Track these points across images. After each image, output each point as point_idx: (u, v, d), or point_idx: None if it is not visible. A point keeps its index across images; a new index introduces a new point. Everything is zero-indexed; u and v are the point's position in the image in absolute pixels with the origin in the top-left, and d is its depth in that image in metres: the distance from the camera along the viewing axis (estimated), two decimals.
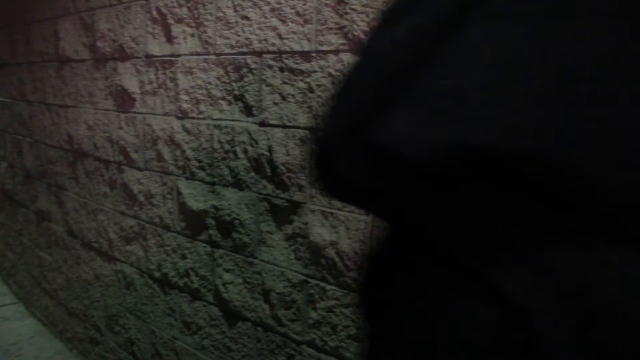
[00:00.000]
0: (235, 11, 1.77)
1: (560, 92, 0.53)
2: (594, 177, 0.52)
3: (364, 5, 1.42)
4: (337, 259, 1.54)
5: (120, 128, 2.41)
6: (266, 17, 1.67)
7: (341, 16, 1.48)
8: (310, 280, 1.63)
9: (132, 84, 2.30)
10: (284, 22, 1.62)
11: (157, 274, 2.31)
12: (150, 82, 2.19)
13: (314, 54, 1.55)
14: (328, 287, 1.58)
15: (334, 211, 1.54)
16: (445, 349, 0.60)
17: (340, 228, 1.52)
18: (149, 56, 2.19)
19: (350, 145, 0.59)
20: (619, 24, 0.57)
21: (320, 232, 1.58)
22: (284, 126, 1.64)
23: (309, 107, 1.57)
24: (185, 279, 2.14)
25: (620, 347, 0.52)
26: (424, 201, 0.59)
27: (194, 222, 2.04)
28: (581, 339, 0.52)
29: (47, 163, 3.25)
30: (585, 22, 0.57)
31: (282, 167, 1.66)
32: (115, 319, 2.71)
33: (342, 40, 1.48)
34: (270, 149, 1.69)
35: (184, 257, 2.13)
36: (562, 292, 0.53)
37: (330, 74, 1.51)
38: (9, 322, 3.83)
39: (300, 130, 1.60)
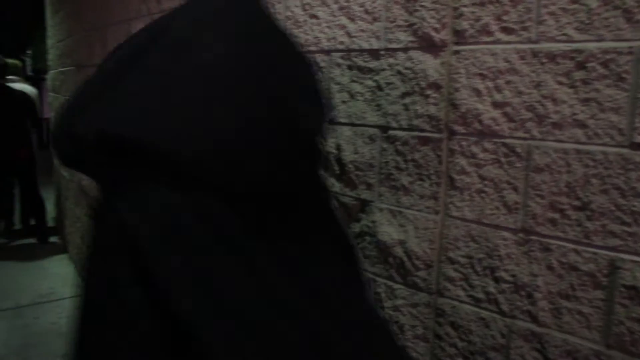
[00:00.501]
0: (304, 10, 1.79)
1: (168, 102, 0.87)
2: (169, 150, 0.83)
3: (434, 2, 1.41)
4: (405, 258, 1.53)
5: None
6: (335, 16, 1.68)
7: (410, 13, 1.46)
8: (377, 278, 1.63)
9: None
10: (352, 20, 1.62)
11: None
12: None
13: (382, 52, 1.54)
14: (395, 286, 1.57)
15: (402, 210, 1.53)
16: (93, 247, 1.04)
17: (409, 227, 1.51)
18: None
19: (65, 132, 0.98)
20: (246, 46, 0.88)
21: (388, 231, 1.57)
22: (353, 124, 1.64)
23: (378, 105, 1.56)
24: None
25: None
26: (101, 167, 0.94)
27: None
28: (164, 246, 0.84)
29: None
30: (222, 45, 0.85)
31: (350, 165, 1.66)
32: None
33: (411, 38, 1.47)
34: (338, 147, 1.69)
35: None
36: (151, 217, 0.87)
37: (399, 72, 1.50)
38: None
39: (368, 129, 1.60)
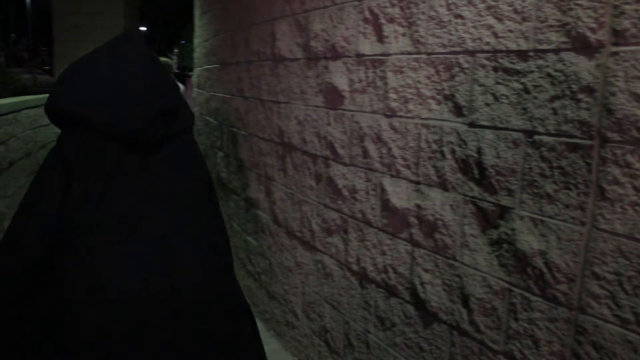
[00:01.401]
0: (449, 10, 1.75)
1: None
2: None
3: (590, 0, 1.32)
4: (545, 270, 1.46)
5: (329, 124, 2.51)
6: (481, 16, 1.63)
7: (564, 12, 1.39)
8: (513, 289, 1.56)
9: (342, 82, 2.39)
10: (500, 20, 1.57)
11: (355, 267, 2.37)
12: (360, 81, 2.25)
13: (531, 53, 1.48)
14: (533, 298, 1.50)
15: (545, 219, 1.45)
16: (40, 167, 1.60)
17: (551, 237, 1.44)
18: (359, 55, 2.26)
19: (46, 106, 1.62)
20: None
21: (528, 240, 1.50)
22: (496, 128, 1.58)
23: (524, 108, 1.50)
24: (383, 275, 2.17)
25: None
26: (60, 125, 1.63)
27: (396, 220, 2.07)
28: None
29: (258, 155, 3.50)
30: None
31: (491, 170, 1.61)
32: (312, 306, 2.84)
33: (563, 39, 1.39)
34: (479, 151, 1.65)
35: (383, 253, 2.16)
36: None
37: (548, 74, 1.43)
38: None
39: (512, 133, 1.54)
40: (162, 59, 6.56)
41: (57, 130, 1.67)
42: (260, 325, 3.63)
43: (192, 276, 1.64)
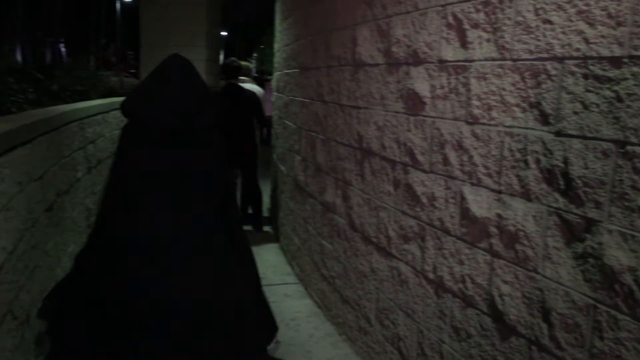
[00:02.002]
0: (537, 15, 1.71)
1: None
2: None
3: None
4: (634, 287, 1.39)
5: (409, 130, 2.50)
6: (571, 21, 1.58)
7: None
8: (599, 305, 1.50)
9: (423, 88, 2.37)
10: (592, 25, 1.51)
11: (431, 276, 2.34)
12: (442, 87, 2.22)
13: (625, 60, 1.42)
14: (620, 316, 1.44)
15: (636, 234, 1.39)
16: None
17: None
18: (442, 61, 2.23)
19: (121, 108, 2.96)
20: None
21: (617, 255, 1.44)
22: (584, 137, 1.53)
23: (615, 117, 1.44)
24: (460, 285, 2.13)
25: None
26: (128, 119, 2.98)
27: (475, 229, 2.03)
28: None
29: (336, 159, 3.51)
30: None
31: (578, 181, 1.55)
32: (386, 313, 2.82)
33: None
34: (565, 161, 1.59)
35: (461, 262, 2.12)
36: None
37: None
38: (290, 300, 4.24)
39: (602, 143, 1.48)
40: (243, 63, 6.70)
41: None
42: (331, 329, 3.66)
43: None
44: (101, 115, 5.32)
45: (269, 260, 5.13)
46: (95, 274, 2.77)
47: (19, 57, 27.49)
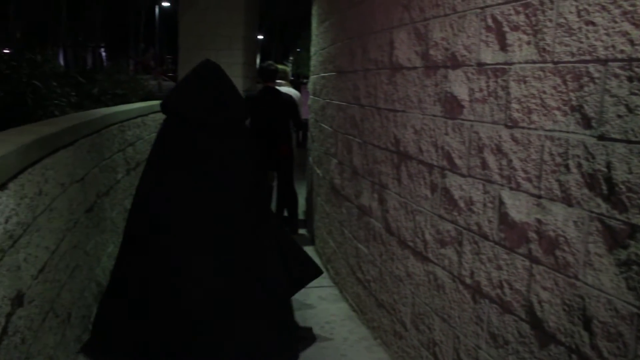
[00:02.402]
0: (579, 16, 1.68)
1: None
2: None
3: None
4: None
5: (446, 134, 2.47)
6: (616, 22, 1.54)
7: None
8: None
9: (461, 92, 2.35)
10: (637, 26, 1.48)
11: (468, 281, 2.32)
12: (480, 90, 2.20)
13: None
14: None
15: None
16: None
17: None
18: (480, 64, 2.21)
19: (162, 106, 3.60)
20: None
21: None
22: (629, 141, 1.49)
23: None
24: (498, 290, 2.10)
25: None
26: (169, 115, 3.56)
27: (513, 234, 2.00)
28: None
29: (373, 162, 3.51)
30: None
31: (622, 186, 1.51)
32: (421, 317, 2.80)
33: None
34: (608, 165, 1.56)
35: (499, 267, 2.09)
36: None
37: None
38: (325, 303, 4.24)
39: None
40: (281, 66, 6.74)
41: None
42: (366, 332, 3.65)
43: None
44: (140, 118, 5.41)
45: None
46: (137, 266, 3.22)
47: (61, 62, 28.20)
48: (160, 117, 6.00)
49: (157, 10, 39.36)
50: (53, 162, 2.71)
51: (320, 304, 4.20)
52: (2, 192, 2.05)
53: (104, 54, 41.06)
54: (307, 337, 3.57)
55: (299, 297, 4.00)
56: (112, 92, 9.89)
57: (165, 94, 3.58)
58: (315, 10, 6.08)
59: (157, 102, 6.33)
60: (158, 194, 3.25)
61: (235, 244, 3.25)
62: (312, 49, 6.28)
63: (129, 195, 4.76)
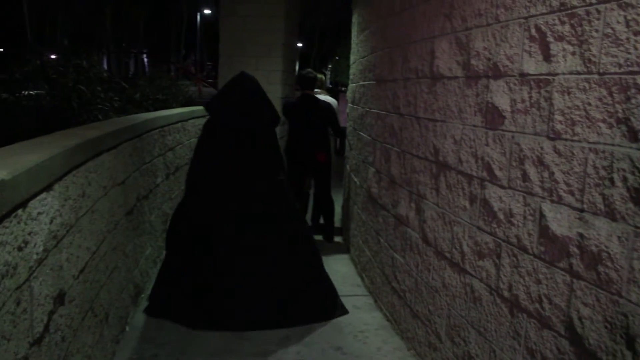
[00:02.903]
0: (628, 27, 1.64)
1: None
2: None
3: None
4: None
5: (487, 145, 2.45)
6: None
7: None
8: None
9: (503, 102, 2.32)
10: None
11: (506, 294, 2.28)
12: (523, 101, 2.17)
13: None
14: None
15: None
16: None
17: None
18: (523, 74, 2.18)
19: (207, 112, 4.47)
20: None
21: None
22: None
23: None
24: (537, 305, 2.06)
25: None
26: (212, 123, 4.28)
27: (554, 248, 1.96)
28: None
29: (411, 172, 3.48)
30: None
31: None
32: (457, 330, 2.77)
33: None
34: None
35: (538, 282, 2.05)
36: None
37: None
38: (359, 312, 4.22)
39: None
40: (319, 75, 6.77)
41: None
42: (400, 343, 3.62)
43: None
44: (180, 123, 5.49)
45: (339, 271, 5.12)
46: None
47: (105, 67, 28.85)
48: (200, 122, 6.10)
49: (198, 17, 39.96)
50: (96, 165, 2.77)
51: (354, 312, 4.18)
52: (47, 194, 2.10)
53: (146, 60, 41.85)
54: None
55: None
56: (154, 97, 10.08)
57: (206, 102, 4.41)
58: (355, 19, 6.09)
59: (197, 108, 6.44)
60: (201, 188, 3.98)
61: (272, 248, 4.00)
62: (352, 57, 6.29)
63: (167, 199, 4.83)
